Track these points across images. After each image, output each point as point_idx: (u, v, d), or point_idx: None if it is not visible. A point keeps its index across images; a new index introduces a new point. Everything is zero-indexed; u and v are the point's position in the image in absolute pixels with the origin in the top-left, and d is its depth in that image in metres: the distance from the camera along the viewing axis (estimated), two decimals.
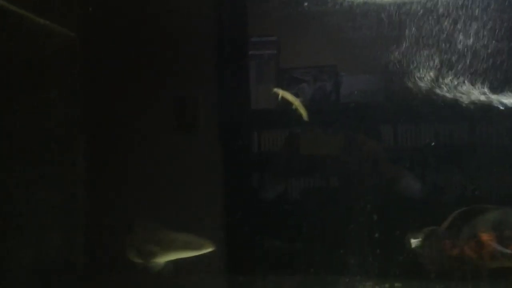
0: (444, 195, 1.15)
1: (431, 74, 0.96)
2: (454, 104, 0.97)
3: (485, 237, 0.86)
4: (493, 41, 0.95)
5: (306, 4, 1.08)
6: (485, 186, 1.10)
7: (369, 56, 1.02)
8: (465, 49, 0.96)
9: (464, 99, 0.95)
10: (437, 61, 0.97)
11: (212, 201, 1.18)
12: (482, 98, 0.94)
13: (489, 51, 0.95)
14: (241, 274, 1.14)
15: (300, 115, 1.07)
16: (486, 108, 0.96)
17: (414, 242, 0.99)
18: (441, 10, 0.97)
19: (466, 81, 0.95)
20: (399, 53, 0.98)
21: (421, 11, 0.98)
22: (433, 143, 1.03)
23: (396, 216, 1.08)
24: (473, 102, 0.96)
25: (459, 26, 0.96)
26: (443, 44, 0.97)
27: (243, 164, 1.20)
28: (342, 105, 1.13)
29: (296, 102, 1.07)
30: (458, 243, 0.91)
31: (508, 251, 0.83)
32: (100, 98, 1.19)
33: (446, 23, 0.97)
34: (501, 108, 0.94)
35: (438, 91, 0.97)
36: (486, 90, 0.95)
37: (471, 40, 0.95)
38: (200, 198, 1.17)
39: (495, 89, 0.95)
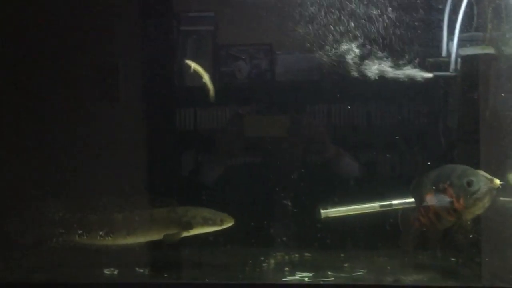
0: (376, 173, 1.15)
1: (357, 53, 0.98)
2: (379, 83, 0.99)
3: (428, 196, 0.89)
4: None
5: None
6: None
7: (304, 35, 1.02)
8: (382, 27, 0.98)
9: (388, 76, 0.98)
10: (361, 40, 0.98)
11: (136, 173, 1.14)
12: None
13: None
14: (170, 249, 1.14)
15: (207, 92, 1.06)
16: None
17: (323, 213, 1.04)
18: None
19: (389, 59, 0.98)
20: (330, 32, 0.99)
21: None
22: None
23: (323, 192, 1.09)
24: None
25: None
26: (364, 24, 0.99)
27: (168, 140, 1.19)
28: (277, 83, 1.12)
29: (205, 77, 1.06)
30: (416, 215, 0.93)
31: (446, 198, 0.85)
32: (18, 65, 1.14)
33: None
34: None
35: (364, 69, 0.99)
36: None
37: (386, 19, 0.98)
38: (123, 170, 1.13)
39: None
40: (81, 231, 1.01)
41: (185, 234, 1.01)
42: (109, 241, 1.01)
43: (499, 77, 0.94)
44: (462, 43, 0.99)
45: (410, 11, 1.01)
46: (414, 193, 0.94)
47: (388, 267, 1.01)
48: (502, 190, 0.89)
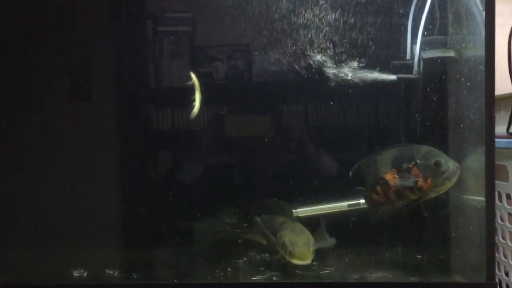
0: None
1: (330, 56, 1.01)
2: (347, 85, 1.02)
3: (389, 176, 0.91)
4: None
5: None
6: None
7: (281, 37, 1.04)
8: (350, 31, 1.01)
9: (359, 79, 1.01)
10: (329, 43, 1.01)
11: (108, 174, 1.15)
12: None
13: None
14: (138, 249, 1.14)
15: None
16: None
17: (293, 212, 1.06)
18: None
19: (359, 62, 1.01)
20: (305, 34, 1.02)
21: None
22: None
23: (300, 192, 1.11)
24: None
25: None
26: (332, 27, 1.02)
27: (143, 141, 1.19)
28: (254, 84, 1.12)
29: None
30: (366, 193, 0.97)
31: (411, 179, 0.89)
32: None
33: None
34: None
35: (332, 72, 1.01)
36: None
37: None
38: (95, 171, 1.14)
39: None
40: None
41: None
42: None
43: (459, 79, 0.97)
44: (424, 46, 1.03)
45: (376, 15, 1.04)
46: (363, 174, 0.96)
47: (354, 265, 1.03)
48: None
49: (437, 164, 0.86)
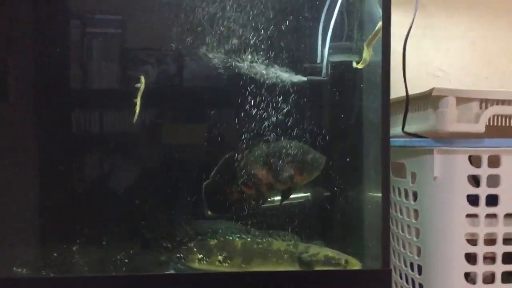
0: None
1: (244, 59, 1.06)
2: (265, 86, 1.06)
3: (261, 173, 1.00)
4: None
5: None
6: None
7: (213, 40, 1.07)
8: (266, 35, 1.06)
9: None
10: (247, 47, 1.05)
11: (26, 176, 1.12)
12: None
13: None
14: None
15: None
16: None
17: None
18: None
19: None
20: (239, 38, 1.06)
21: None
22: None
23: None
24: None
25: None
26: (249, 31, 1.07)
27: (64, 145, 1.15)
28: (185, 89, 1.14)
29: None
30: (235, 186, 1.02)
31: (287, 173, 0.98)
32: None
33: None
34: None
35: (250, 73, 1.05)
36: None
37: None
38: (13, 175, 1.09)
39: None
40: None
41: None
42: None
43: (362, 83, 1.05)
44: (332, 50, 1.09)
45: (290, 20, 1.09)
46: (228, 172, 1.02)
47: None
48: None
49: (313, 159, 0.97)
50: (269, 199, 1.05)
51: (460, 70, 1.48)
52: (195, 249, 0.99)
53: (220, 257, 0.97)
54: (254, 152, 1.01)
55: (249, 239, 0.99)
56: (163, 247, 1.03)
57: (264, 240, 0.99)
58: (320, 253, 0.96)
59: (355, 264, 0.96)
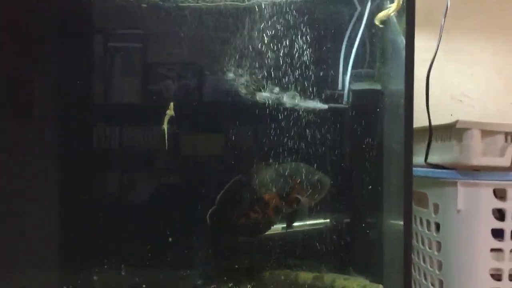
0: None
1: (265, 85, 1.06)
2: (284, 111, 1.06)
3: (268, 196, 0.99)
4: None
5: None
6: None
7: (231, 57, 1.08)
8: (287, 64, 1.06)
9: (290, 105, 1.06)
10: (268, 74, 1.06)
11: (47, 194, 1.12)
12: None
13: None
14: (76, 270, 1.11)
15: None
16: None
17: None
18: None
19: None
20: (255, 57, 1.06)
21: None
22: None
23: None
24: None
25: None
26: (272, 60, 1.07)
27: (87, 160, 1.16)
28: (204, 103, 1.14)
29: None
30: (242, 211, 1.01)
31: (295, 199, 0.98)
32: None
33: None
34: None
35: (272, 99, 1.06)
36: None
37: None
38: (34, 192, 1.10)
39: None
40: (231, 285, 0.99)
41: None
42: None
43: (384, 111, 1.04)
44: (354, 78, 1.08)
45: (310, 48, 1.09)
46: (234, 197, 1.01)
47: None
48: None
49: (320, 180, 0.98)
50: (277, 224, 1.03)
51: (484, 95, 1.45)
52: (225, 278, 0.98)
53: (249, 286, 0.96)
54: (261, 175, 1.00)
55: (276, 271, 0.98)
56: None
57: (290, 271, 0.97)
58: (347, 286, 0.94)
59: None
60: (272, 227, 1.06)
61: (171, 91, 1.15)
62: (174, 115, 1.05)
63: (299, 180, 0.98)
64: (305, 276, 0.96)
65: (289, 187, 0.99)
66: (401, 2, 0.96)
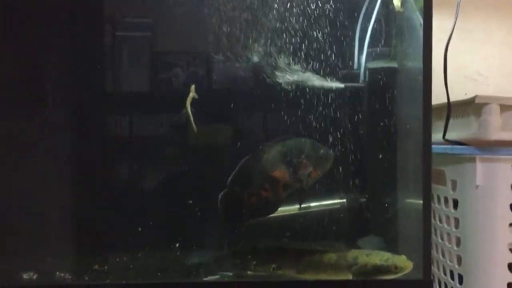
0: None
1: (285, 64, 1.05)
2: (299, 92, 1.06)
3: (278, 173, 0.98)
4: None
5: None
6: None
7: (239, 44, 1.08)
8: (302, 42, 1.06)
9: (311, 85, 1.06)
10: (287, 51, 1.05)
11: (63, 181, 1.13)
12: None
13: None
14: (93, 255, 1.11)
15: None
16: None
17: None
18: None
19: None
20: (263, 43, 1.06)
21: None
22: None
23: None
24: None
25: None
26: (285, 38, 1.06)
27: (101, 148, 1.17)
28: (214, 91, 1.14)
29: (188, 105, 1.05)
30: (253, 190, 1.00)
31: (305, 170, 0.98)
32: None
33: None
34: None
35: (285, 79, 1.05)
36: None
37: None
38: (50, 178, 1.12)
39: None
40: (255, 262, 0.99)
41: None
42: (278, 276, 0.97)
43: (401, 89, 1.04)
44: (370, 57, 1.08)
45: (325, 27, 1.09)
46: (246, 176, 1.00)
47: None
48: None
49: (325, 154, 0.98)
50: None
51: (499, 74, 1.45)
52: (249, 256, 0.99)
53: (273, 266, 0.97)
54: (269, 153, 1.00)
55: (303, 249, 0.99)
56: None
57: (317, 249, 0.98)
58: (368, 264, 0.93)
59: (406, 267, 0.92)
60: (281, 205, 1.06)
61: (180, 79, 1.16)
62: (196, 96, 1.05)
63: (304, 155, 0.98)
64: (330, 256, 0.96)
65: (297, 163, 0.99)
66: None
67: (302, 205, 1.13)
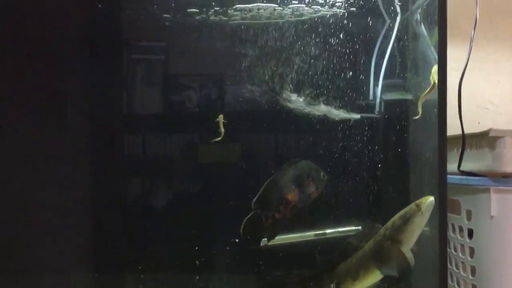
0: None
1: (294, 89, 1.11)
2: (314, 121, 1.11)
3: (291, 196, 1.01)
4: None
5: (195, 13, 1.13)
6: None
7: (251, 68, 1.11)
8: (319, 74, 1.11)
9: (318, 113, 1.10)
10: (297, 78, 1.10)
11: (80, 201, 1.16)
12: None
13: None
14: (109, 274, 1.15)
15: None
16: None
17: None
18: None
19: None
20: (275, 68, 1.10)
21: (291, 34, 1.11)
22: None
23: None
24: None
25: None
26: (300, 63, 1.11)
27: (115, 167, 1.20)
28: (226, 113, 1.15)
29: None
30: (270, 213, 1.02)
31: (310, 192, 1.02)
32: None
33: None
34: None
35: (301, 105, 1.10)
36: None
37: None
38: (67, 198, 1.15)
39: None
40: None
41: None
42: None
43: (416, 120, 1.06)
44: (385, 88, 1.12)
45: (342, 59, 1.12)
46: (269, 198, 1.02)
47: None
48: None
49: (324, 176, 1.03)
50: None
51: (511, 103, 1.47)
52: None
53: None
54: (285, 175, 1.03)
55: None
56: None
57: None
58: (395, 221, 0.94)
59: (426, 199, 0.92)
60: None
61: (193, 101, 1.19)
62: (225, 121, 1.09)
63: (311, 178, 1.02)
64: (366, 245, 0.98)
65: (306, 185, 1.03)
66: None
67: (316, 232, 1.16)
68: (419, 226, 0.94)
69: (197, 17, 1.14)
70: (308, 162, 1.04)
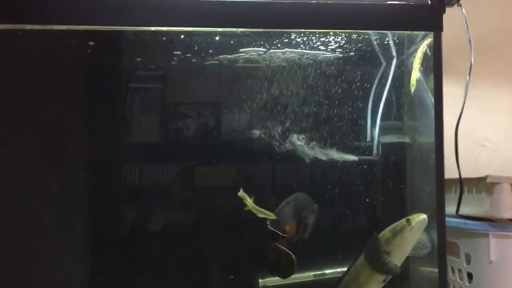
0: None
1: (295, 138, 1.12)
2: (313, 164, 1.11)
3: (288, 227, 1.02)
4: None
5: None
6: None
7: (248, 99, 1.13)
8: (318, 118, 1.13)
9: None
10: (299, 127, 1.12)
11: (77, 236, 1.15)
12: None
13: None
14: None
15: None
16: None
17: (261, 282, 1.11)
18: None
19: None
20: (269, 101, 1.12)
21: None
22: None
23: None
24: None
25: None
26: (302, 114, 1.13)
27: (115, 198, 1.19)
28: (222, 141, 1.19)
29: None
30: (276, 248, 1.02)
31: (306, 225, 1.03)
32: None
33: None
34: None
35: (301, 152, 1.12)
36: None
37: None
38: (64, 235, 1.13)
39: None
40: None
41: None
42: None
43: (413, 163, 1.07)
44: (382, 131, 1.13)
45: (339, 103, 1.14)
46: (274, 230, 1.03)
47: None
48: None
49: (316, 208, 1.05)
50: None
51: (506, 140, 1.49)
52: None
53: None
54: (287, 209, 1.04)
55: None
56: None
57: None
58: (385, 233, 0.94)
59: (418, 216, 0.93)
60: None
61: (190, 129, 1.19)
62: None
63: (308, 210, 1.04)
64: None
65: (304, 217, 1.04)
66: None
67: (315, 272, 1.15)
68: (408, 241, 0.93)
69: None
70: (302, 194, 1.06)
